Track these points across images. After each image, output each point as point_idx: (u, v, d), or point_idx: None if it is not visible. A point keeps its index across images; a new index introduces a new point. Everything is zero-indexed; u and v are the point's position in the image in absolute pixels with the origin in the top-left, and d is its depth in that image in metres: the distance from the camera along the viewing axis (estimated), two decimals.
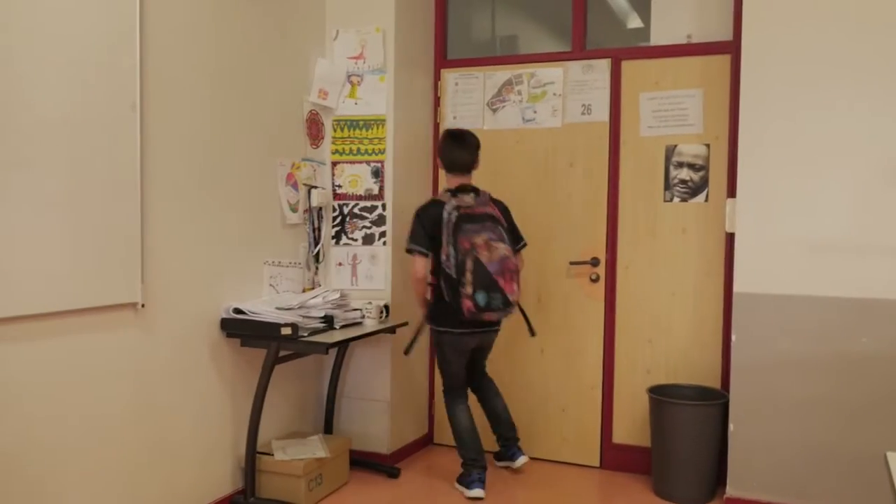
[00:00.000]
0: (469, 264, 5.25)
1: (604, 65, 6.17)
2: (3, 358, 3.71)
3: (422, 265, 5.54)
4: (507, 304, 5.34)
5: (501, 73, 6.50)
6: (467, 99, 6.63)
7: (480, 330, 5.65)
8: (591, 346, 6.33)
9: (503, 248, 5.34)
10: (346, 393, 6.36)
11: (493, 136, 6.52)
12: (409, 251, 5.58)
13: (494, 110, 6.53)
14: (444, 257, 5.39)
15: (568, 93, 6.29)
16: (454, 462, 6.28)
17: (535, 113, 6.39)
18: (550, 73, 6.35)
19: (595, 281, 6.25)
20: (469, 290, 5.25)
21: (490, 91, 6.55)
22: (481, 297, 5.26)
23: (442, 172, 6.08)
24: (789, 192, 5.16)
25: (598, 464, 6.37)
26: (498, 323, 5.70)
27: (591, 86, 6.21)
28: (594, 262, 6.24)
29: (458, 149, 5.65)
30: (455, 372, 5.83)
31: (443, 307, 5.56)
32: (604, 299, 6.27)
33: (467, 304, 5.27)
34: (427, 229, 5.49)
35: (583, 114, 6.24)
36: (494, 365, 6.45)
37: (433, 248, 5.51)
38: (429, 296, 5.76)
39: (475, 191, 5.57)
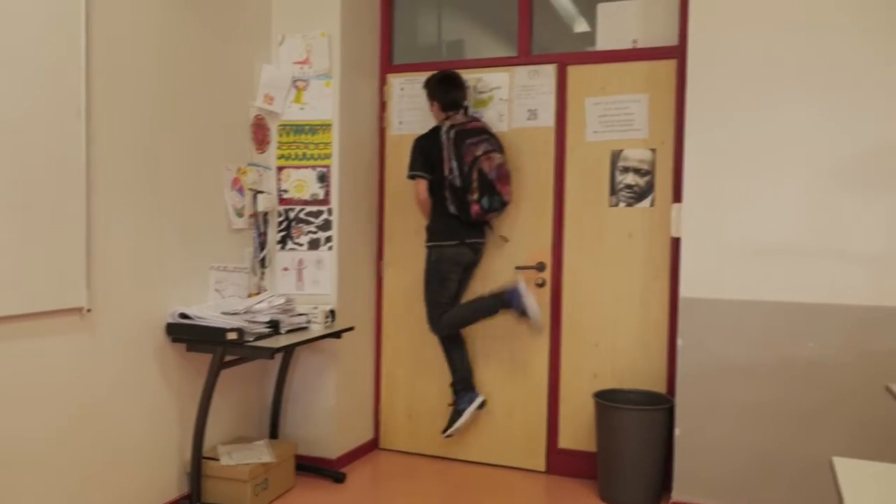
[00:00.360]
0: (475, 174, 5.85)
1: (550, 70, 6.22)
2: None
3: (424, 187, 6.10)
4: (502, 205, 6.00)
5: None
6: (413, 104, 6.65)
7: (477, 241, 6.22)
8: (537, 350, 6.37)
9: (499, 157, 5.96)
10: (292, 398, 6.36)
11: None
12: (411, 177, 6.15)
13: None
14: (446, 172, 5.94)
15: (514, 98, 6.34)
16: (400, 466, 6.36)
17: (482, 118, 6.41)
18: (496, 77, 6.39)
19: (541, 286, 6.29)
20: (475, 196, 5.87)
21: None
22: (486, 201, 5.90)
23: (390, 177, 6.49)
24: (735, 196, 5.24)
25: (543, 468, 6.41)
26: (483, 239, 6.30)
27: (537, 91, 6.26)
28: (540, 267, 6.29)
29: (453, 89, 6.14)
30: (447, 296, 6.22)
31: (443, 223, 6.11)
32: (550, 304, 6.31)
33: (475, 208, 5.90)
34: (426, 155, 6.05)
35: (529, 119, 6.29)
36: (438, 369, 6.55)
37: (433, 170, 6.05)
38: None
39: (464, 109, 6.13)
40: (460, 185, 5.87)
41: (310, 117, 6.23)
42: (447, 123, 5.97)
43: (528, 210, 6.33)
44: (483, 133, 5.96)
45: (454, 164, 5.87)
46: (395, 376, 6.86)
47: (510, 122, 6.35)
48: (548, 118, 6.24)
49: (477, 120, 6.12)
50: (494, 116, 6.39)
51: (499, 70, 6.40)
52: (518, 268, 6.34)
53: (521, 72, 6.31)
